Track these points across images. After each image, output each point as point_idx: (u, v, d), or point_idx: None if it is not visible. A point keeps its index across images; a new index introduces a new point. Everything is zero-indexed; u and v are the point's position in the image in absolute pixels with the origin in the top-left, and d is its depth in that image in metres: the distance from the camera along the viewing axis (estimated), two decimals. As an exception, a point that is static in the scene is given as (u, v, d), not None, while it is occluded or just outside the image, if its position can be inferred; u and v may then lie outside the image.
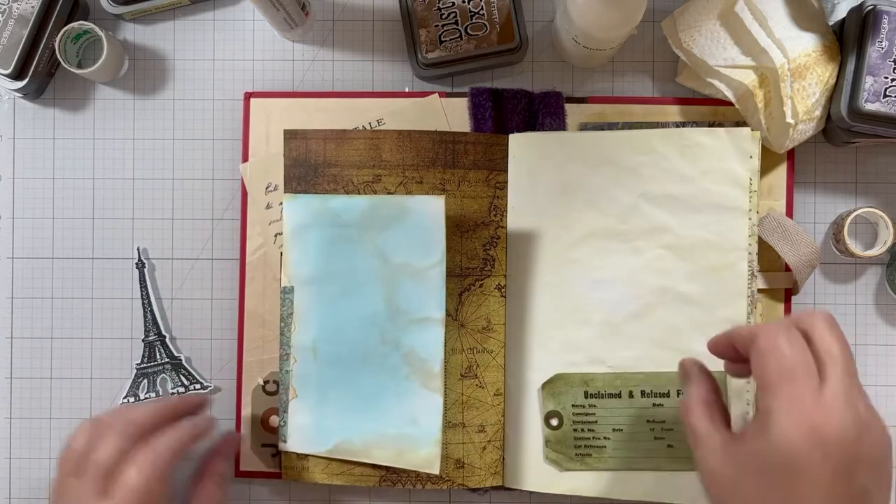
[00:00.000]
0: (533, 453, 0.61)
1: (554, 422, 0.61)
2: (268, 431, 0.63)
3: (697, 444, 0.48)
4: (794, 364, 0.44)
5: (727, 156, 0.60)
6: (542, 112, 0.63)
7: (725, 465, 0.46)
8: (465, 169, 0.62)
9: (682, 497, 0.60)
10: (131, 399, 0.64)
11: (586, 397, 0.60)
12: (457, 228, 0.62)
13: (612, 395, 0.60)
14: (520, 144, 0.62)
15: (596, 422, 0.60)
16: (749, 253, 0.59)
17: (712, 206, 0.60)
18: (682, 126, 0.63)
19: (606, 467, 0.60)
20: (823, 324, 0.45)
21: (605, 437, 0.60)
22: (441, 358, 0.60)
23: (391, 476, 0.61)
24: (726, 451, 0.46)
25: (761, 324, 0.53)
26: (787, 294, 0.63)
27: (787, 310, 0.63)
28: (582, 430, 0.60)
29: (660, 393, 0.60)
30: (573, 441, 0.60)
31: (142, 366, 0.64)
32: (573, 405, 0.61)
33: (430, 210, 0.60)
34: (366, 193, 0.62)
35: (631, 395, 0.60)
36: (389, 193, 0.62)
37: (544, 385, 0.61)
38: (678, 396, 0.60)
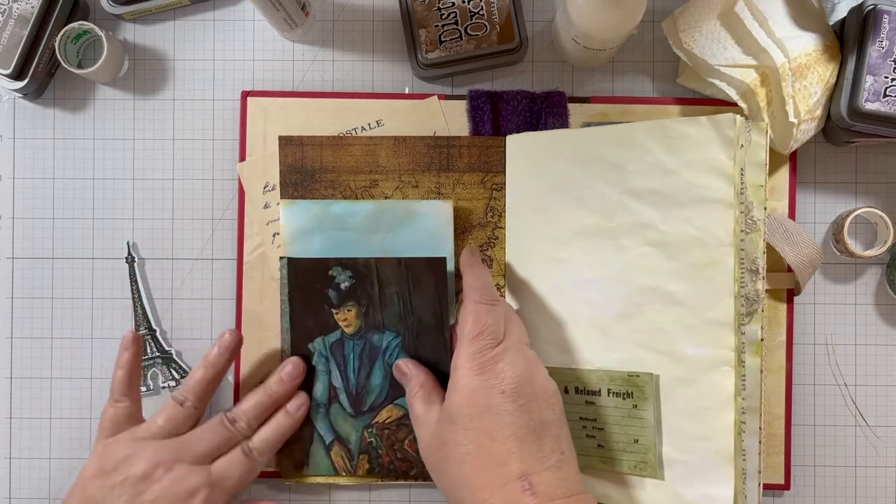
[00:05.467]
0: None
1: None
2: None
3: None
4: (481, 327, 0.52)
5: (710, 145, 0.55)
6: (546, 112, 0.63)
7: (436, 435, 0.52)
8: (460, 172, 0.62)
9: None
10: None
11: None
12: (453, 230, 0.62)
13: None
14: (517, 145, 0.62)
15: None
16: (742, 249, 0.55)
17: (696, 200, 0.55)
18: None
19: None
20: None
21: None
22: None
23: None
24: (439, 420, 0.53)
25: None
26: (789, 294, 0.63)
27: (790, 310, 0.63)
28: None
29: (592, 391, 0.58)
30: None
31: None
32: None
33: (438, 213, 0.61)
34: (363, 198, 0.62)
35: (566, 391, 0.59)
36: (386, 198, 0.62)
37: None
38: (608, 396, 0.58)
